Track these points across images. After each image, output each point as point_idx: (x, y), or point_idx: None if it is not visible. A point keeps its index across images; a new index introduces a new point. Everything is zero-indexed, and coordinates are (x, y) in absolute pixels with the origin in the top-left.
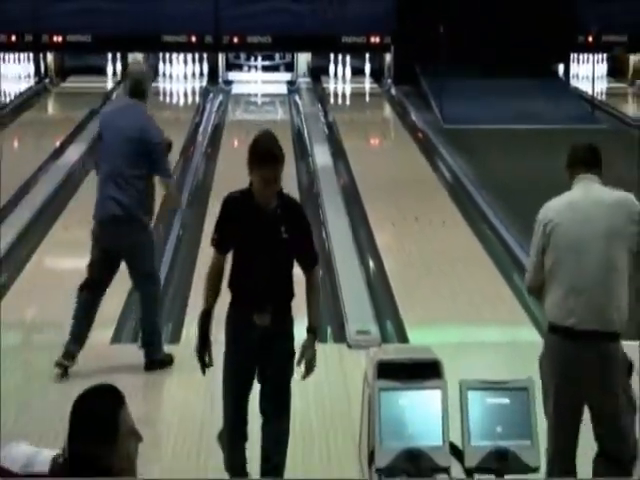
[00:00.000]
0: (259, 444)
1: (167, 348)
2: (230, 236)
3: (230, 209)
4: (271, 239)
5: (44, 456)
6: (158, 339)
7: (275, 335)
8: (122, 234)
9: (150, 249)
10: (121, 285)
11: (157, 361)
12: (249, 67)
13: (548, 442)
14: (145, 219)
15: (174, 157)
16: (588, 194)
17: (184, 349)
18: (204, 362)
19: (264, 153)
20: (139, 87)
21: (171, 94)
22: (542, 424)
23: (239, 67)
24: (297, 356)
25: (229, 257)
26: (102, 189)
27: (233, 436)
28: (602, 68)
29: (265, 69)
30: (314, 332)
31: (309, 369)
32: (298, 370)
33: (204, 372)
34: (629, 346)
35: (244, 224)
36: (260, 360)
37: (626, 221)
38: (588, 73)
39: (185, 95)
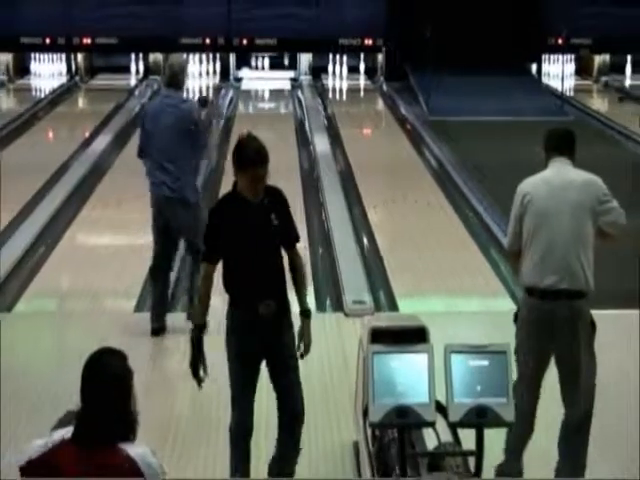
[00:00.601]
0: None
1: (183, 316)
2: (222, 242)
3: (219, 214)
4: (264, 229)
5: (58, 433)
6: None
7: (280, 325)
8: (176, 215)
9: (201, 225)
10: (144, 259)
11: None
12: (257, 66)
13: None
14: (194, 197)
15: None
16: (560, 173)
17: None
18: (199, 377)
19: (255, 153)
20: (176, 78)
21: (186, 90)
22: None
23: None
24: (296, 341)
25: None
26: (153, 175)
27: (239, 431)
28: (570, 67)
29: (272, 67)
30: (307, 315)
31: (307, 351)
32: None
33: (200, 386)
34: (629, 315)
35: (236, 223)
36: (268, 351)
37: (592, 199)
38: (558, 71)
39: (200, 91)
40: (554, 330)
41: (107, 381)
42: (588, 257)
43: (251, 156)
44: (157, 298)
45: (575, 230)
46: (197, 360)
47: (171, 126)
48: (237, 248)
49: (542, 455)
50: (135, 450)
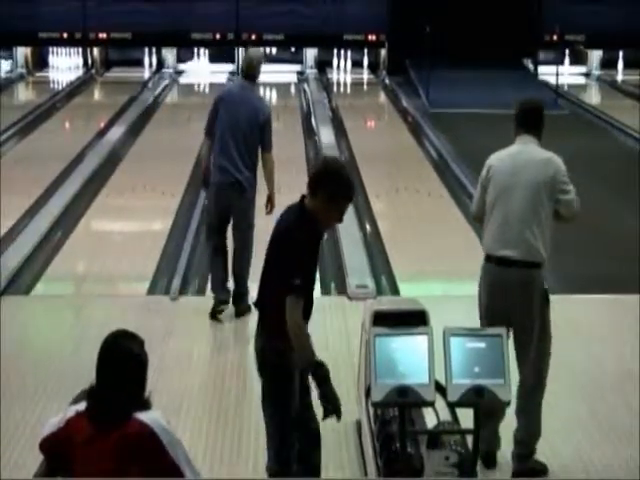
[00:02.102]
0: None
1: (195, 299)
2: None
3: (308, 244)
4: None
5: (71, 409)
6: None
7: None
8: (235, 198)
9: (253, 208)
10: (156, 244)
11: (245, 308)
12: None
13: None
14: (253, 185)
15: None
16: (524, 151)
17: (209, 300)
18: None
19: (351, 187)
20: (251, 70)
21: (198, 84)
22: (513, 364)
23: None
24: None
25: None
26: (219, 159)
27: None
28: (565, 62)
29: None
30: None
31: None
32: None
33: (339, 418)
34: (630, 299)
35: (315, 254)
36: None
37: (551, 177)
38: (553, 66)
39: (211, 84)
40: (508, 295)
41: (121, 363)
42: (544, 231)
43: (351, 191)
44: (221, 274)
45: (531, 206)
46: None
47: (248, 118)
48: (309, 281)
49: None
50: (147, 415)
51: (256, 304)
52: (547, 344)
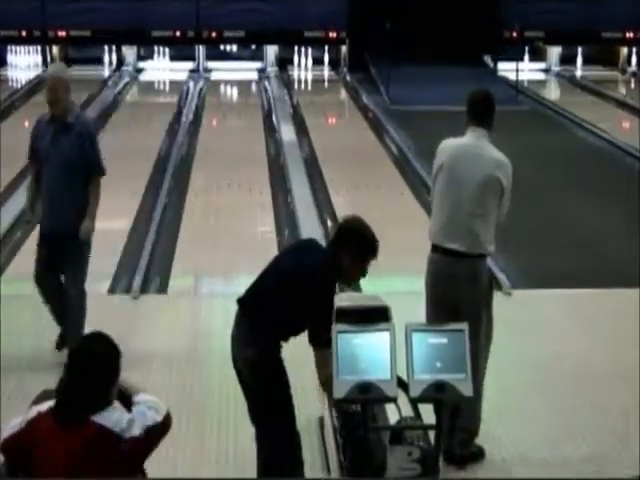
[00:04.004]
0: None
1: (156, 298)
2: None
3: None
4: None
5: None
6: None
7: None
8: None
9: None
10: (117, 242)
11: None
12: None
13: None
14: None
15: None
16: (477, 145)
17: (170, 299)
18: None
19: (376, 247)
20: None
21: (158, 82)
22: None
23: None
24: None
25: None
26: None
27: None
28: (525, 58)
29: (239, 59)
30: None
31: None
32: None
33: None
34: (630, 293)
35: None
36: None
37: (501, 181)
38: (513, 63)
39: (171, 82)
40: (454, 285)
41: (93, 363)
42: (489, 226)
43: (376, 251)
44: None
45: (480, 201)
46: None
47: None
48: None
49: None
50: (109, 417)
51: (245, 308)
52: (490, 333)
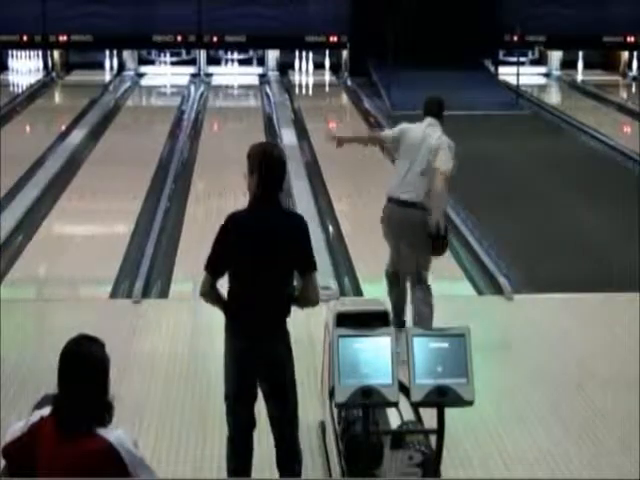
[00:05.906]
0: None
1: (157, 302)
2: None
3: None
4: None
5: (36, 414)
6: None
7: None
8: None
9: None
10: (118, 247)
11: None
12: (226, 61)
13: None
14: None
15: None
16: (427, 127)
17: (171, 303)
18: None
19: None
20: None
21: (160, 86)
22: (475, 364)
23: (217, 61)
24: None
25: None
26: None
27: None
28: (526, 63)
29: (240, 63)
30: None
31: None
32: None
33: None
34: (631, 297)
35: None
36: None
37: (437, 150)
38: (514, 67)
39: (172, 86)
40: (402, 225)
41: (85, 367)
42: (428, 185)
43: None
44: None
45: (425, 165)
46: None
47: None
48: None
49: None
50: (113, 435)
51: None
52: (428, 256)
